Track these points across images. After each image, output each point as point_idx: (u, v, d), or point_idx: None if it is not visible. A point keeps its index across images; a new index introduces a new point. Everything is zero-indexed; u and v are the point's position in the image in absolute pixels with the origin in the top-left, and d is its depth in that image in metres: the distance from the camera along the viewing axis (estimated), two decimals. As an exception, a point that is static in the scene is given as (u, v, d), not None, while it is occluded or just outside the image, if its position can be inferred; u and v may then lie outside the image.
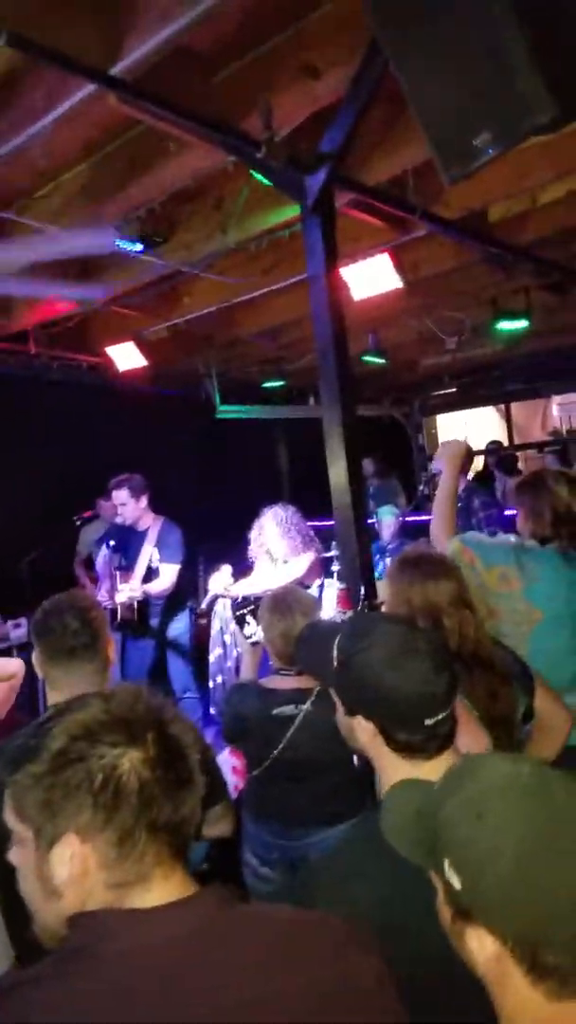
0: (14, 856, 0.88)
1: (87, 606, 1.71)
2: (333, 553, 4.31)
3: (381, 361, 6.37)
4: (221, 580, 4.02)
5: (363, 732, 1.16)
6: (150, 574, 4.40)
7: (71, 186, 3.45)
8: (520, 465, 8.49)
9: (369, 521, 3.77)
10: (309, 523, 4.20)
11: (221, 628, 4.15)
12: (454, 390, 9.14)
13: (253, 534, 4.11)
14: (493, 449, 8.64)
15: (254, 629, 2.88)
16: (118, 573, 4.36)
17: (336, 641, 1.20)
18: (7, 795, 0.87)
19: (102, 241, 3.68)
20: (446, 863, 0.77)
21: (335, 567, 4.13)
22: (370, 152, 3.21)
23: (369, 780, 2.22)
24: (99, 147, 3.24)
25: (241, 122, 2.70)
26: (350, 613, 2.81)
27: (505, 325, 5.58)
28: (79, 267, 4.50)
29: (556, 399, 10.43)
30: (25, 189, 3.48)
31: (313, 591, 3.47)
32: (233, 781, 2.49)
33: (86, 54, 2.29)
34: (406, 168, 3.38)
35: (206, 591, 4.17)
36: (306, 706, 2.13)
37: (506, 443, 9.57)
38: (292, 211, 3.53)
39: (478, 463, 8.40)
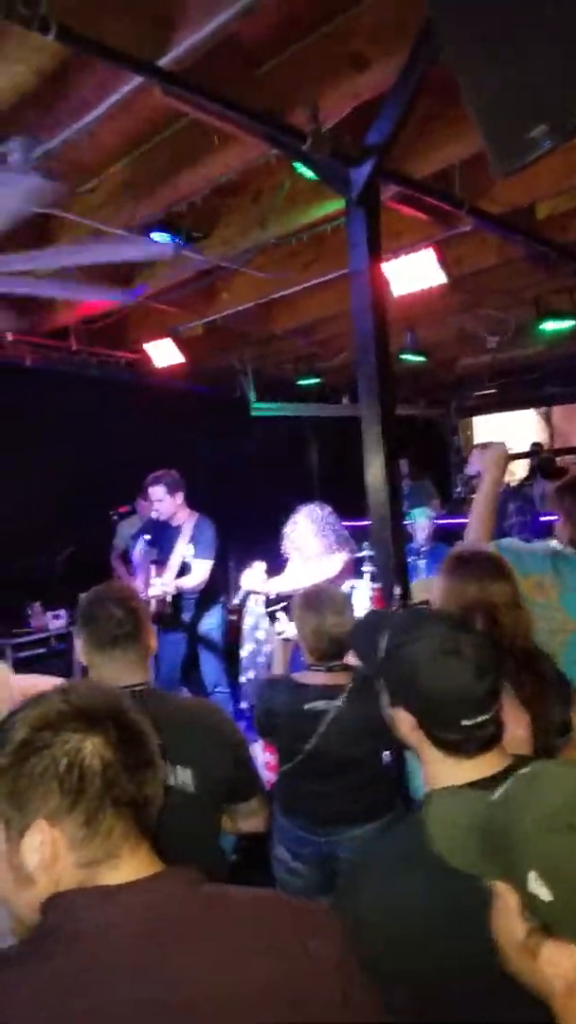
0: None
1: (130, 596, 1.75)
2: (365, 553, 4.28)
3: (419, 359, 6.30)
4: (254, 577, 4.02)
5: (403, 723, 1.17)
6: (183, 569, 4.42)
7: (114, 180, 3.47)
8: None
9: (403, 522, 3.73)
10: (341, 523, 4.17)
11: (254, 624, 4.15)
12: (493, 391, 9.00)
13: (287, 530, 4.10)
14: (534, 451, 8.49)
15: (285, 625, 2.88)
16: (153, 567, 4.39)
17: (386, 631, 1.21)
18: None
19: (146, 249, 3.71)
20: (532, 875, 0.74)
21: (366, 568, 4.11)
22: (416, 145, 3.17)
23: (399, 778, 2.22)
24: (143, 141, 3.24)
25: (287, 114, 2.68)
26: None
27: (549, 325, 5.47)
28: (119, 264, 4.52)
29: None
30: (69, 183, 3.51)
31: (346, 592, 3.45)
32: (267, 777, 2.48)
33: (133, 47, 2.30)
34: (452, 162, 3.33)
35: (238, 587, 4.17)
36: (337, 702, 2.14)
37: (547, 447, 9.40)
38: (333, 205, 3.50)
39: (515, 467, 8.27)
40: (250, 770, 1.79)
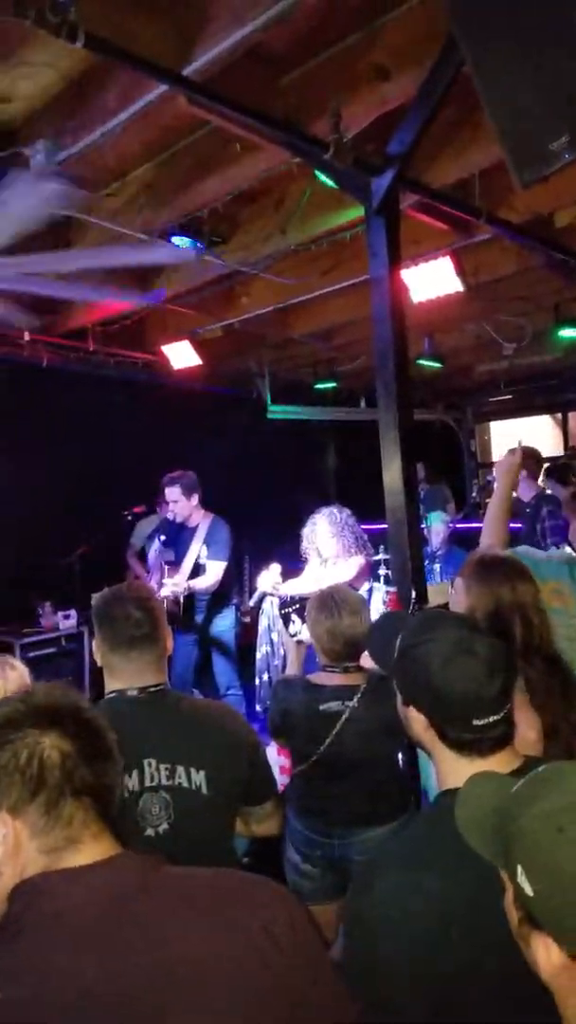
0: None
1: (148, 596, 1.73)
2: (381, 557, 4.29)
3: (437, 365, 6.30)
4: (270, 578, 4.03)
5: (416, 723, 1.19)
6: (197, 570, 4.44)
7: (136, 185, 3.50)
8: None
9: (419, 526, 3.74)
10: (358, 526, 4.18)
11: (268, 626, 4.17)
12: (509, 397, 8.97)
13: (306, 531, 4.12)
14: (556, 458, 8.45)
15: (299, 627, 2.89)
16: (167, 567, 4.42)
17: (400, 632, 1.23)
18: None
19: (167, 254, 3.74)
20: (519, 869, 0.77)
21: (382, 571, 4.12)
22: (436, 154, 3.18)
23: (413, 782, 2.23)
24: (166, 147, 3.28)
25: (309, 123, 2.70)
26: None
27: (568, 332, 5.46)
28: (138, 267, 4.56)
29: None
30: (91, 188, 3.54)
31: (362, 594, 3.45)
32: (281, 780, 2.49)
33: (159, 55, 2.32)
34: (472, 171, 3.33)
35: (252, 589, 4.19)
36: (352, 703, 2.15)
37: (562, 453, 9.35)
38: (353, 213, 3.52)
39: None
40: (265, 773, 1.79)
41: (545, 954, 0.75)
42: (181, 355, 5.81)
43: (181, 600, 4.40)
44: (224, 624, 4.63)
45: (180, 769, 1.56)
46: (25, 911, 0.85)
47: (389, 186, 2.74)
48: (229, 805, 1.68)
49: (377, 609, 3.90)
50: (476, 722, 1.11)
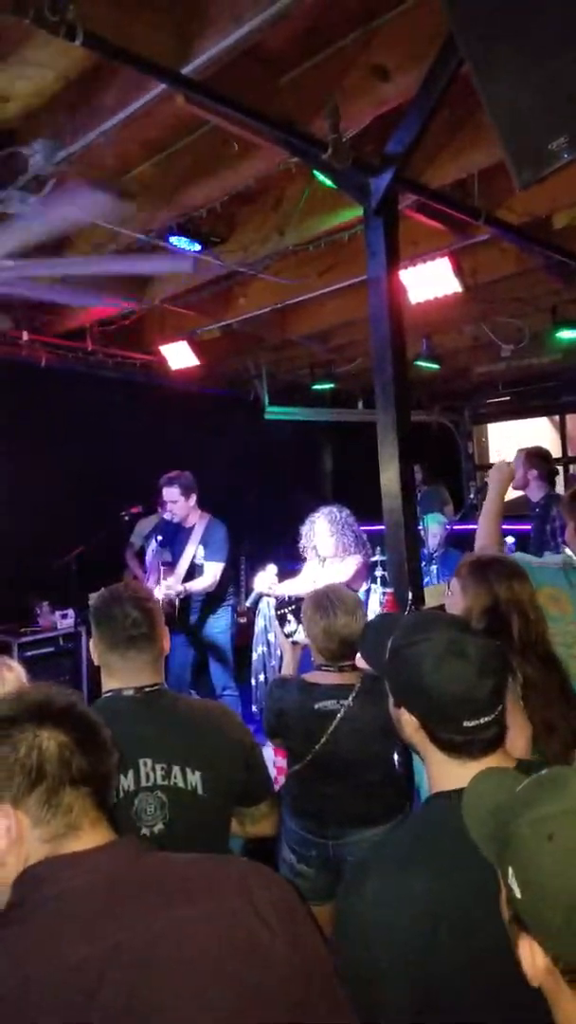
0: None
1: (146, 596, 1.74)
2: (378, 558, 4.29)
3: (434, 366, 6.30)
4: (266, 579, 4.03)
5: (407, 725, 1.18)
6: (194, 571, 4.43)
7: (134, 185, 3.49)
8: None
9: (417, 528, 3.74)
10: (356, 528, 4.18)
11: (265, 627, 4.17)
12: (507, 399, 8.97)
13: (304, 530, 4.13)
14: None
15: (294, 627, 2.89)
16: (163, 568, 4.41)
17: (392, 633, 1.23)
18: None
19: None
20: (511, 871, 0.77)
21: (378, 572, 4.12)
22: (435, 154, 3.19)
23: (409, 783, 2.22)
24: (164, 147, 3.27)
25: (308, 123, 2.70)
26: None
27: (565, 334, 5.46)
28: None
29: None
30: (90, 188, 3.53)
31: (360, 596, 3.45)
32: (278, 781, 2.48)
33: (158, 54, 2.32)
34: (471, 171, 3.34)
35: (248, 589, 4.19)
36: (347, 702, 2.14)
37: (559, 456, 9.35)
38: (351, 213, 3.52)
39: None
40: (261, 773, 1.79)
41: (530, 956, 0.75)
42: (179, 355, 5.81)
43: (177, 602, 4.40)
44: (220, 625, 4.63)
45: (176, 769, 1.56)
46: (28, 896, 0.88)
47: (388, 186, 2.74)
48: (225, 805, 1.68)
49: (374, 610, 3.90)
50: (467, 723, 1.11)
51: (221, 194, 3.46)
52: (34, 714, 0.97)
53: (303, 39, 2.63)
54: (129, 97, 2.56)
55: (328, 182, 2.97)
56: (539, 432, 10.29)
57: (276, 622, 4.06)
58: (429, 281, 4.34)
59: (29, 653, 4.97)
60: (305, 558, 4.19)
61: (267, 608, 4.14)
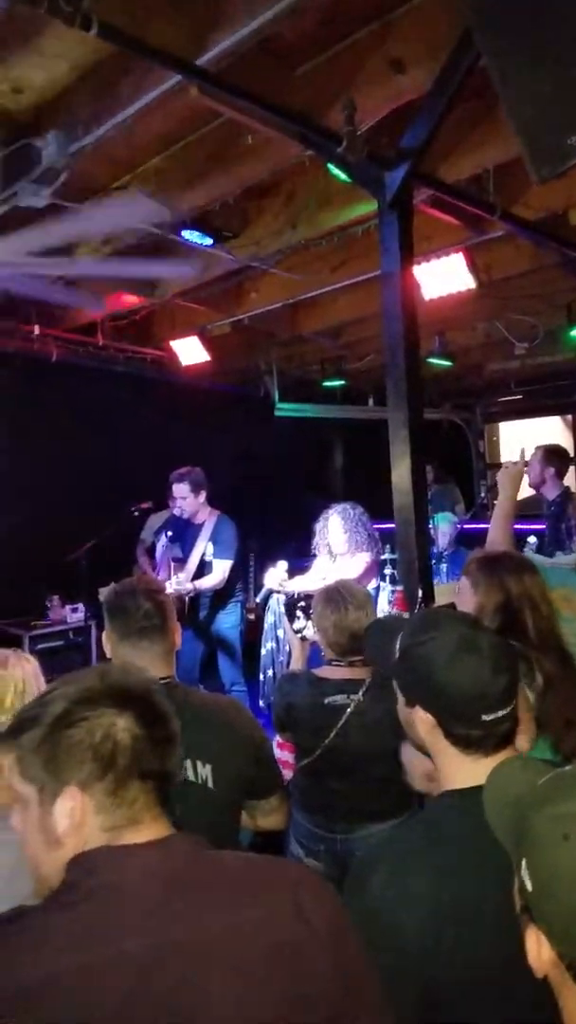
0: (15, 820, 0.96)
1: (158, 589, 1.76)
2: (388, 556, 4.27)
3: (447, 364, 6.26)
4: (276, 576, 4.03)
5: (421, 724, 1.17)
6: (203, 568, 4.43)
7: (147, 177, 3.48)
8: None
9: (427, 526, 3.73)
10: (368, 526, 4.17)
11: (274, 623, 4.17)
12: (519, 397, 8.91)
13: (319, 526, 4.13)
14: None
15: (303, 623, 2.88)
16: (173, 564, 4.41)
17: (401, 633, 1.22)
18: (12, 760, 0.95)
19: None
20: (524, 863, 0.77)
21: (388, 570, 4.11)
22: (451, 149, 3.16)
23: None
24: (177, 140, 3.26)
25: (322, 116, 2.68)
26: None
27: (579, 332, 5.41)
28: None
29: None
30: (102, 179, 3.53)
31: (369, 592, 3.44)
32: (284, 775, 2.48)
33: (172, 46, 2.31)
34: (487, 166, 3.31)
35: (258, 586, 4.19)
36: (358, 696, 2.14)
37: (572, 455, 9.29)
38: (364, 208, 3.49)
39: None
40: (271, 767, 1.80)
41: (536, 948, 0.76)
42: (190, 351, 5.80)
43: (186, 600, 4.40)
44: (229, 621, 4.63)
45: (187, 762, 1.56)
46: (82, 881, 0.88)
47: (403, 180, 2.72)
48: (235, 799, 1.68)
49: (383, 608, 3.89)
50: (485, 717, 1.11)
51: (235, 187, 3.44)
52: (112, 698, 0.96)
53: (318, 31, 2.61)
54: (143, 89, 2.55)
55: (342, 176, 2.95)
56: (552, 431, 10.22)
57: (285, 618, 4.06)
58: (443, 277, 4.31)
59: (40, 646, 5.00)
60: (316, 554, 4.19)
61: (276, 604, 4.14)
